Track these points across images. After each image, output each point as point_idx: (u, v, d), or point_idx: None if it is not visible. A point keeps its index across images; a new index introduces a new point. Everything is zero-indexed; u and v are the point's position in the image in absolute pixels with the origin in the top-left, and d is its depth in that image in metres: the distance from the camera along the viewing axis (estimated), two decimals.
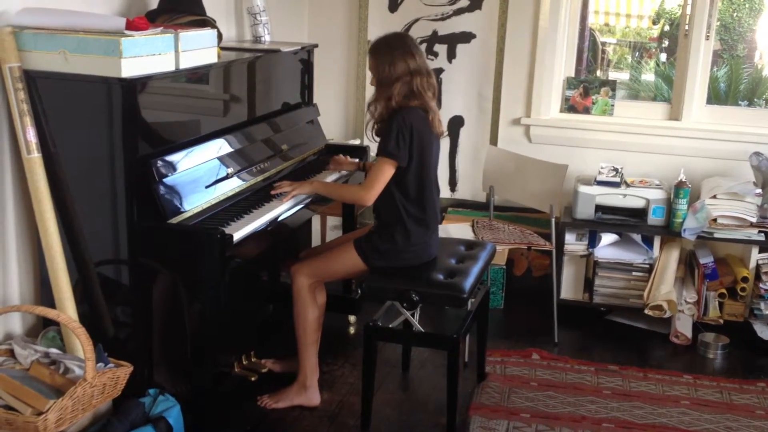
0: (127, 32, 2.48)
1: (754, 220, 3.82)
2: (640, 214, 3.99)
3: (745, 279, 3.87)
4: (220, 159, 2.94)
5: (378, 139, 3.06)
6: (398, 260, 3.04)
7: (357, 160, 3.65)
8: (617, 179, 4.01)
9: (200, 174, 2.82)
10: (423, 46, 4.43)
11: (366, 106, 3.12)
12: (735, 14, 5.27)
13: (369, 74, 4.41)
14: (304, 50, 3.79)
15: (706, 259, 3.97)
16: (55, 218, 2.53)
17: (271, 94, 3.53)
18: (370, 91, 4.45)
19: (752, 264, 3.88)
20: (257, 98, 3.38)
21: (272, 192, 3.08)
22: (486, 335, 3.43)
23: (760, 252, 3.87)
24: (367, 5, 4.50)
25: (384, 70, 3.01)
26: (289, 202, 3.06)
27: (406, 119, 2.95)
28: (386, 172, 2.97)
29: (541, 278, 4.32)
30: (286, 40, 4.06)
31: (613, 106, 4.42)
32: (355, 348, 3.61)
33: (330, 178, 3.48)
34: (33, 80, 2.50)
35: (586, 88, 4.43)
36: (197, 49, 2.76)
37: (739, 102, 5.23)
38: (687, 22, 4.24)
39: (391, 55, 3.00)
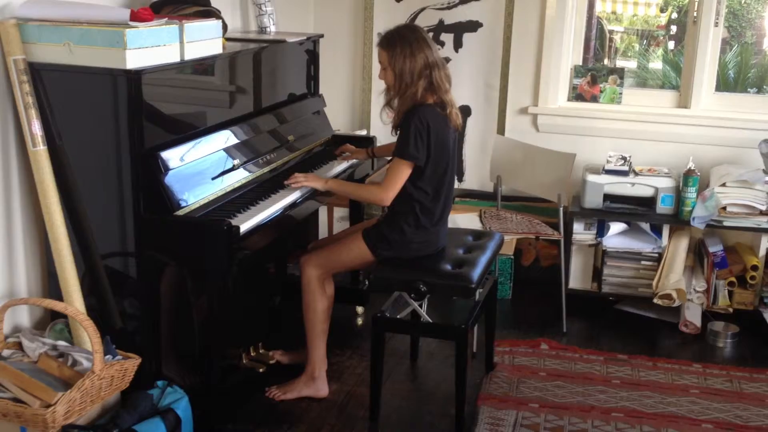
0: (132, 23, 2.47)
1: (763, 208, 3.80)
2: (648, 202, 3.97)
3: (754, 267, 3.85)
4: (227, 150, 2.93)
5: (396, 132, 3.01)
6: (406, 250, 3.03)
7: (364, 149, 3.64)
8: (626, 168, 3.98)
9: (206, 165, 2.81)
10: (429, 36, 4.41)
11: (385, 101, 3.06)
12: (743, 1, 5.22)
13: (375, 64, 4.45)
14: (309, 40, 3.77)
15: (715, 248, 3.94)
16: (61, 211, 2.53)
17: (276, 84, 3.52)
18: (376, 81, 4.46)
19: (762, 252, 3.86)
20: (263, 89, 3.36)
21: (286, 182, 3.06)
22: (494, 325, 3.42)
23: None
24: None
25: (403, 64, 2.94)
26: (297, 193, 3.05)
27: (422, 120, 2.90)
28: (404, 172, 2.95)
29: (550, 268, 4.31)
30: (291, 30, 4.04)
31: (621, 94, 4.39)
32: (363, 339, 3.60)
33: (339, 167, 3.47)
34: (38, 72, 2.49)
35: (594, 76, 4.40)
36: (202, 40, 2.75)
37: (748, 89, 5.19)
38: (696, 8, 4.20)
39: (410, 48, 2.94)
